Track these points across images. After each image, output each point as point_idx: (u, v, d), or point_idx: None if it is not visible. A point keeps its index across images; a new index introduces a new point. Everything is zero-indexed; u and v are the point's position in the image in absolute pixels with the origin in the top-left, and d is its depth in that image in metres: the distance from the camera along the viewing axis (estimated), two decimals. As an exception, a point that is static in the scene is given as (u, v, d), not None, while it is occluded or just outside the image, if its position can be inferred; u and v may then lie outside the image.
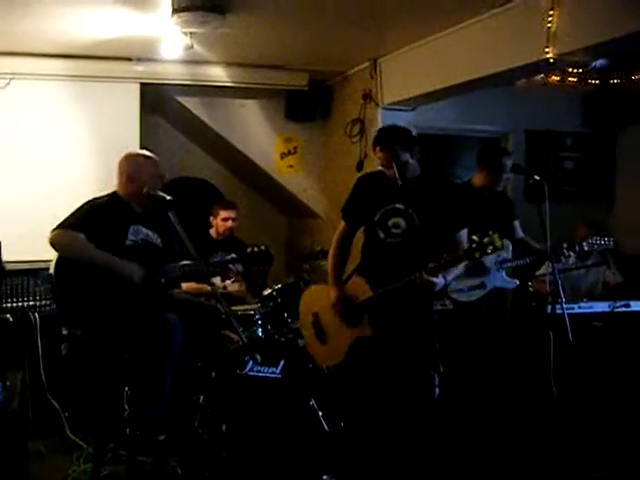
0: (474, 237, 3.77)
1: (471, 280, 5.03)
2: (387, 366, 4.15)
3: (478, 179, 5.27)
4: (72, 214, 4.12)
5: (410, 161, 4.13)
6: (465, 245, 4.00)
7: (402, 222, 4.13)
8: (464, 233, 4.11)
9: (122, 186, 4.33)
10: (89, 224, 4.05)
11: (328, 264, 4.43)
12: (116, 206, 4.26)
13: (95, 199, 4.28)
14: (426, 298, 4.12)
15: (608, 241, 5.35)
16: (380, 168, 4.22)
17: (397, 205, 4.15)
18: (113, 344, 4.17)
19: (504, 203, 5.44)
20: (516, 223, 5.39)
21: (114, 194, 4.33)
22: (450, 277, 4.02)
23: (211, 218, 6.10)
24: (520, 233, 5.39)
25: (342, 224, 4.44)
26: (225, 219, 6.02)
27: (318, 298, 4.48)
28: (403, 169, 4.08)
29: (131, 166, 4.33)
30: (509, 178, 5.25)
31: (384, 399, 4.17)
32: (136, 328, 4.08)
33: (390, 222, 4.15)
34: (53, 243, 4.03)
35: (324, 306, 4.36)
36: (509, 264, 5.18)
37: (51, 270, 4.07)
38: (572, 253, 5.00)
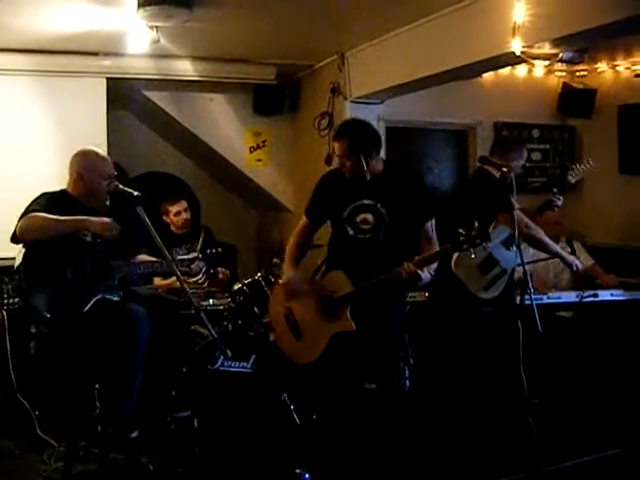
0: (460, 230, 3.80)
1: (491, 274, 4.95)
2: (361, 358, 4.18)
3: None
4: (28, 206, 4.18)
5: (373, 154, 4.14)
6: (434, 235, 4.09)
7: (370, 217, 4.15)
8: (432, 224, 4.16)
9: (72, 184, 4.40)
10: (44, 209, 4.11)
11: (286, 252, 4.44)
12: (66, 201, 4.31)
13: (46, 192, 4.33)
14: (405, 290, 4.14)
15: (587, 162, 5.39)
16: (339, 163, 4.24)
17: (365, 201, 4.17)
18: (80, 339, 4.16)
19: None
20: None
21: (63, 191, 4.40)
22: (432, 272, 4.04)
23: (164, 217, 6.01)
24: None
25: (304, 219, 4.45)
26: (177, 213, 5.96)
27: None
28: (366, 163, 4.09)
29: (82, 164, 4.38)
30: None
31: (356, 390, 4.20)
32: (101, 320, 4.11)
33: (358, 218, 4.17)
34: (22, 232, 4.06)
35: (299, 301, 4.35)
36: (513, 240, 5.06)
37: (16, 264, 4.07)
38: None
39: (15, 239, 4.11)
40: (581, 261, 5.87)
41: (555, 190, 5.38)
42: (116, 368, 4.11)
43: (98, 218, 4.15)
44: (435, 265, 4.07)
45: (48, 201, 4.23)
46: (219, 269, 5.79)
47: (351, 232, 4.20)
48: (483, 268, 4.85)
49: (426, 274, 3.93)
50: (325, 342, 4.16)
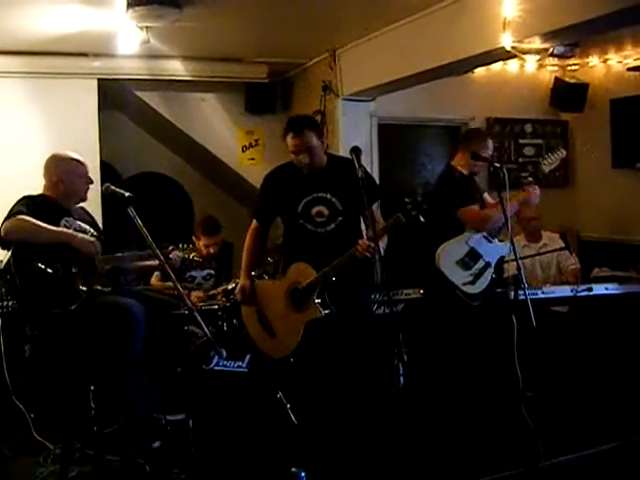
0: (406, 199, 3.90)
1: (475, 267, 4.97)
2: (347, 343, 4.24)
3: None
4: (12, 208, 4.22)
5: (320, 147, 4.29)
6: (379, 216, 4.27)
7: (324, 210, 4.30)
8: (377, 206, 4.32)
9: (52, 187, 4.45)
10: (30, 212, 4.15)
11: (243, 258, 4.60)
12: (46, 204, 4.36)
13: (27, 196, 4.37)
14: (365, 268, 4.22)
15: (560, 151, 5.21)
16: (292, 157, 4.36)
17: (316, 194, 4.31)
18: (74, 335, 4.17)
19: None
20: None
21: (42, 195, 4.45)
22: (384, 245, 4.17)
23: (193, 237, 5.73)
24: None
25: (254, 223, 4.59)
26: (207, 246, 5.69)
27: (259, 296, 4.53)
28: (313, 154, 4.25)
29: (62, 168, 4.45)
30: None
31: (347, 381, 4.27)
32: (94, 313, 4.15)
33: (313, 211, 4.31)
34: (7, 232, 4.09)
35: (267, 301, 4.47)
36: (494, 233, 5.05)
37: (3, 264, 4.16)
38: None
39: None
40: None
41: (530, 180, 5.32)
42: (112, 366, 4.12)
43: (82, 236, 4.24)
44: (386, 241, 4.20)
45: (32, 203, 4.27)
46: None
47: (310, 227, 4.32)
48: (466, 263, 4.87)
49: (383, 246, 4.08)
50: (299, 333, 4.25)
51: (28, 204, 4.24)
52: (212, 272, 5.82)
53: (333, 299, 4.22)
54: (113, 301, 4.28)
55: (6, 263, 4.16)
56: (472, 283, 4.85)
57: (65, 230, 4.23)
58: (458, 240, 4.86)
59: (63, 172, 4.43)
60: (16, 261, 4.09)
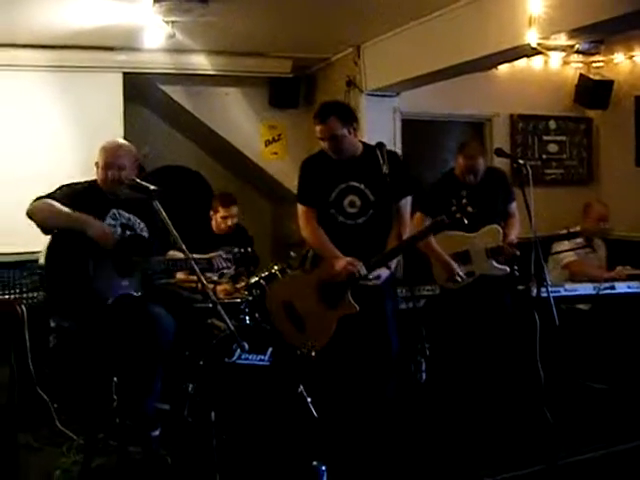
0: (453, 200, 3.93)
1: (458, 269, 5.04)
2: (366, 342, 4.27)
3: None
4: (49, 192, 4.14)
5: (348, 136, 4.20)
6: (406, 214, 4.31)
7: (357, 200, 4.25)
8: (408, 201, 4.31)
9: (97, 175, 4.29)
10: (65, 201, 4.06)
11: (316, 245, 4.41)
12: (93, 191, 4.25)
13: (67, 184, 4.27)
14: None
15: None
16: (322, 145, 4.29)
17: (350, 183, 4.26)
18: (101, 336, 4.15)
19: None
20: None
21: (90, 182, 4.31)
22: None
23: (211, 212, 5.85)
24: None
25: (303, 209, 4.42)
26: (224, 217, 5.76)
27: (288, 288, 4.56)
28: (338, 143, 4.19)
29: (100, 156, 4.27)
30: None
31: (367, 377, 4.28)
32: (123, 317, 4.05)
33: (346, 201, 4.27)
34: (30, 213, 4.03)
35: (297, 294, 4.41)
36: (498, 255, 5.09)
37: (41, 260, 4.05)
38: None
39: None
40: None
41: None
42: (136, 366, 4.09)
43: (100, 225, 4.06)
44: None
45: (69, 191, 4.17)
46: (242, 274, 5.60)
47: (340, 218, 4.28)
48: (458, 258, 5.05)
49: None
50: (331, 329, 4.22)
51: (62, 190, 4.16)
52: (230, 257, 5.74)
53: (356, 296, 4.20)
54: (144, 310, 4.14)
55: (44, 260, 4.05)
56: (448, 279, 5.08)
57: (83, 217, 4.00)
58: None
59: (100, 159, 4.24)
60: (49, 258, 4.01)
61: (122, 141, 4.46)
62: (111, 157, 4.23)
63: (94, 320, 4.02)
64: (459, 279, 4.91)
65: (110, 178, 4.20)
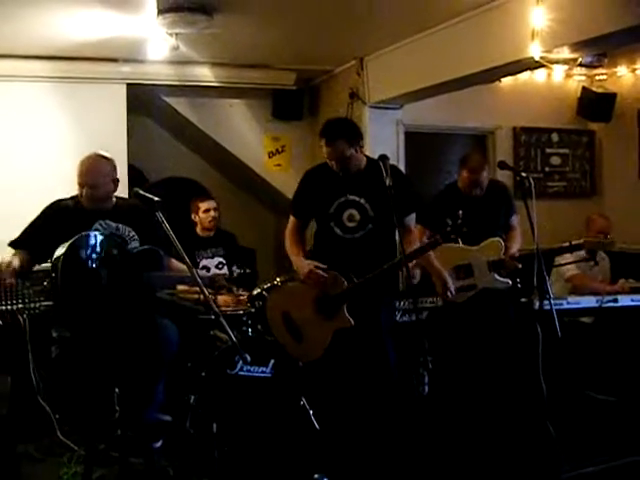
0: (448, 220, 3.94)
1: (460, 281, 5.04)
2: (370, 354, 4.28)
3: None
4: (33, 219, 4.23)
5: (354, 154, 4.22)
6: (414, 227, 4.37)
7: (356, 214, 4.27)
8: (412, 217, 4.34)
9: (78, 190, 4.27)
10: (49, 221, 4.13)
11: (289, 253, 4.48)
12: (76, 206, 4.22)
13: (56, 200, 4.30)
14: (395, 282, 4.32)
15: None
16: (325, 159, 4.31)
17: (350, 197, 4.28)
18: (103, 347, 4.14)
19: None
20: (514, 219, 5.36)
21: (76, 196, 4.26)
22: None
23: (193, 215, 6.00)
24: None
25: (292, 219, 4.51)
26: (207, 210, 5.93)
27: (287, 299, 4.57)
28: (345, 162, 4.21)
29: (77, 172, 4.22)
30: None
31: (367, 389, 4.30)
32: (126, 333, 4.03)
33: (345, 215, 4.29)
34: None
35: (295, 304, 4.44)
36: (499, 268, 5.08)
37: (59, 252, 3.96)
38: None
39: None
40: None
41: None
42: (138, 377, 4.09)
43: None
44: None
45: (50, 211, 4.24)
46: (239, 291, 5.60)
47: (339, 232, 4.31)
48: (455, 273, 5.03)
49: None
50: (327, 341, 4.25)
51: (45, 213, 4.24)
52: (222, 261, 5.86)
53: (352, 310, 4.21)
54: (150, 322, 4.13)
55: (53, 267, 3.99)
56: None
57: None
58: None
59: (78, 176, 4.20)
60: (63, 268, 3.89)
61: (97, 157, 4.29)
62: (84, 176, 4.19)
63: (99, 332, 4.01)
64: (449, 295, 4.87)
65: (85, 196, 4.19)
